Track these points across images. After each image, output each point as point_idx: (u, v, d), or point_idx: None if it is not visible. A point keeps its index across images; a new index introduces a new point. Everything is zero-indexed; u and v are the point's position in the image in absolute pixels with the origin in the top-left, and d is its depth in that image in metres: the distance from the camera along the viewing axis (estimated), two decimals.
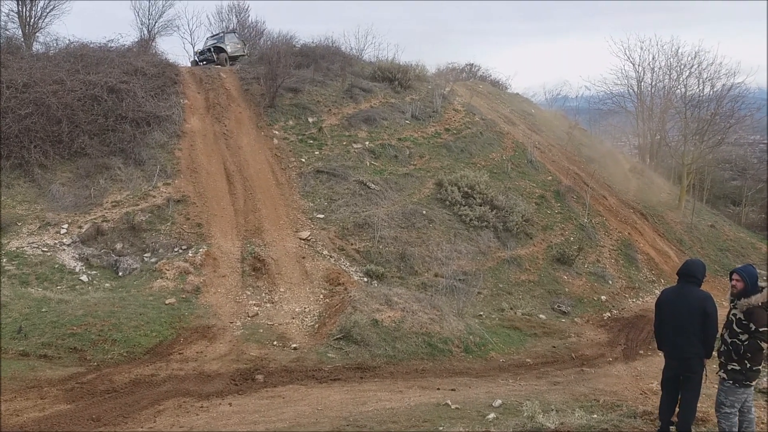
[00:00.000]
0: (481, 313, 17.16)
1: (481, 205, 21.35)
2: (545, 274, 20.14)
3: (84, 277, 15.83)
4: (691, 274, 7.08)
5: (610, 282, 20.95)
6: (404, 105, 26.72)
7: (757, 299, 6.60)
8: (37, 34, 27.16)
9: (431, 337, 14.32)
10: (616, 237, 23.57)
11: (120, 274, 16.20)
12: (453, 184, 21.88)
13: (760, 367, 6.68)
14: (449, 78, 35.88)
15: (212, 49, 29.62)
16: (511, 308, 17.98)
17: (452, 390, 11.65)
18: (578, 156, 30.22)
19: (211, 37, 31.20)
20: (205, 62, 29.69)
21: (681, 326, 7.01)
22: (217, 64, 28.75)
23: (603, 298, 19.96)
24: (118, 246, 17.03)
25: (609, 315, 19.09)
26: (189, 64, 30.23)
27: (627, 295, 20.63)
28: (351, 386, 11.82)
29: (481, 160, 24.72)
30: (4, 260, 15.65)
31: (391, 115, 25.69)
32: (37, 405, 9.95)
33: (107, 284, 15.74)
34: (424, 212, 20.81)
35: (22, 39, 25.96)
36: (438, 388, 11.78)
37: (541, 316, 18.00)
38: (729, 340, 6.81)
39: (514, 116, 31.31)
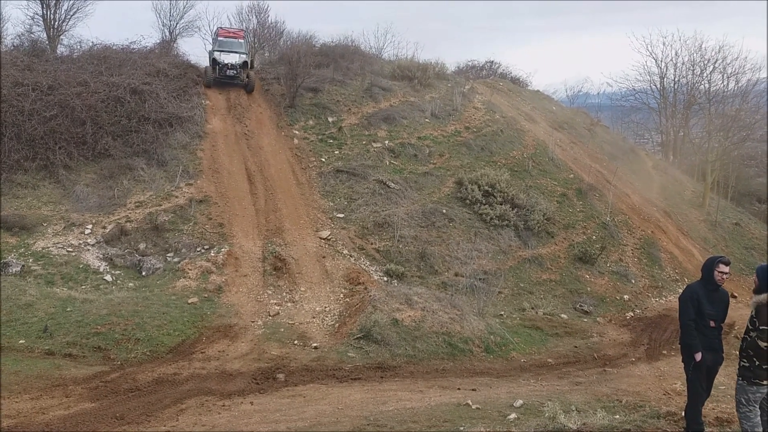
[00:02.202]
0: (502, 312, 17.08)
1: (501, 204, 21.22)
2: (567, 274, 19.96)
3: (108, 277, 16.06)
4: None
5: (633, 281, 20.70)
6: (424, 103, 26.67)
7: (765, 297, 6.54)
8: (61, 36, 27.60)
9: (452, 337, 14.28)
10: (639, 235, 23.27)
11: (143, 273, 16.41)
12: (473, 182, 21.78)
13: None
14: (469, 76, 35.75)
15: (212, 60, 25.13)
16: (533, 308, 17.86)
17: (473, 390, 11.62)
18: (600, 153, 29.89)
19: (216, 39, 26.67)
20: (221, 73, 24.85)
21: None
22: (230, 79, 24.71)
23: (626, 297, 19.74)
24: (142, 246, 17.26)
25: (632, 314, 18.87)
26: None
27: (650, 294, 20.36)
28: (371, 386, 11.84)
29: (502, 159, 24.58)
30: (31, 260, 15.95)
31: (410, 114, 25.66)
32: (62, 403, 10.12)
33: (131, 284, 15.95)
34: (444, 211, 20.76)
35: (47, 42, 26.40)
36: (459, 388, 11.76)
37: (562, 315, 17.86)
38: (742, 337, 6.81)
39: (534, 114, 31.05)
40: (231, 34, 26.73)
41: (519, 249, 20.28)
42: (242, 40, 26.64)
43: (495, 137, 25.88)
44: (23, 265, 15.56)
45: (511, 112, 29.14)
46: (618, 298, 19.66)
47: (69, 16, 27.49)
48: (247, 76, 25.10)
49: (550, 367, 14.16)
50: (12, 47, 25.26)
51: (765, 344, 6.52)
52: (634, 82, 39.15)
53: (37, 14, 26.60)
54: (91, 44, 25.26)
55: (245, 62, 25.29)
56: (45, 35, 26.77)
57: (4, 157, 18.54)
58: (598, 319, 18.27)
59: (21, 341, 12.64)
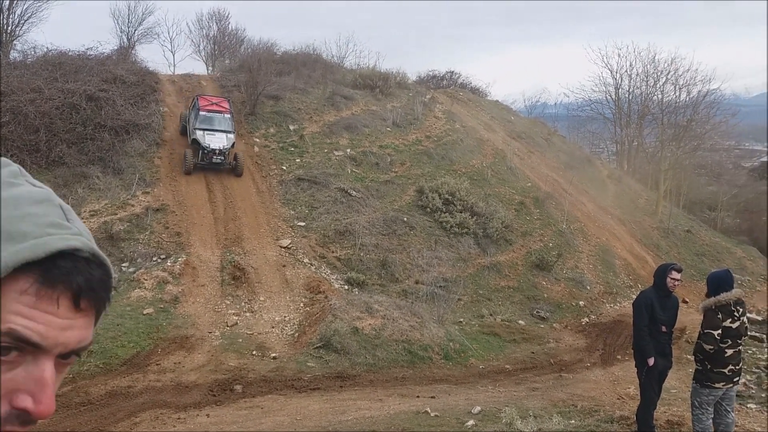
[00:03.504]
0: (462, 319, 17.24)
1: (461, 212, 21.47)
2: (524, 280, 20.29)
3: None
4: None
5: (588, 287, 21.15)
6: (385, 112, 26.84)
7: (711, 302, 6.80)
8: (15, 42, 26.88)
9: (411, 345, 14.36)
10: (594, 243, 23.82)
11: None
12: (434, 191, 21.99)
13: (725, 370, 6.82)
14: (430, 85, 36.13)
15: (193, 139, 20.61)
16: (491, 314, 18.09)
17: (432, 397, 11.70)
18: (557, 163, 30.53)
19: (196, 108, 21.01)
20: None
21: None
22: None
23: (581, 303, 20.15)
24: None
25: (587, 320, 19.26)
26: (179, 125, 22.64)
27: (605, 300, 20.83)
28: (330, 395, 11.82)
29: (462, 167, 24.88)
30: None
31: (372, 123, 25.78)
32: None
33: None
34: (405, 219, 20.88)
35: None
36: (418, 396, 11.83)
37: (520, 322, 18.12)
38: (696, 341, 7.07)
39: (494, 123, 31.57)
40: (215, 107, 21.34)
41: (478, 256, 20.53)
42: (228, 115, 21.41)
43: (455, 146, 26.19)
44: None
45: (470, 122, 29.55)
46: (574, 304, 20.06)
47: (23, 21, 26.91)
48: (235, 158, 20.76)
49: (508, 373, 14.37)
50: None
51: (709, 347, 6.75)
52: (590, 92, 40.16)
53: None
54: (45, 50, 24.72)
55: (234, 143, 21.11)
56: None
57: None
58: (554, 325, 18.60)
59: None
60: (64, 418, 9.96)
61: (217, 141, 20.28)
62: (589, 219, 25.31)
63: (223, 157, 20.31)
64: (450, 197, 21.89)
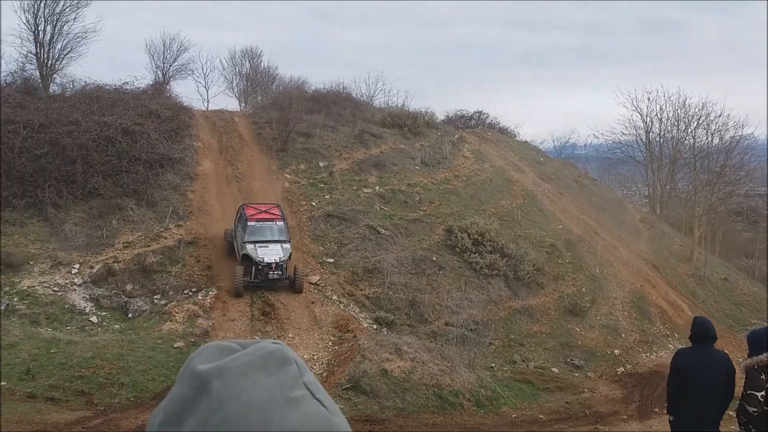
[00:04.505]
0: (493, 364, 16.86)
1: (491, 253, 21.22)
2: (557, 326, 19.85)
3: (94, 318, 15.72)
4: (710, 335, 6.98)
5: (623, 335, 20.62)
6: (414, 151, 26.93)
7: (753, 361, 6.45)
8: (54, 75, 27.62)
9: (442, 390, 14.03)
10: (629, 289, 23.32)
11: (129, 315, 16.09)
12: (463, 230, 21.81)
13: None
14: (458, 125, 36.26)
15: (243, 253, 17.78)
16: (523, 360, 17.67)
17: None
18: (588, 205, 30.19)
19: (248, 218, 18.11)
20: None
21: (706, 391, 6.80)
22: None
23: (616, 351, 19.62)
24: (129, 287, 16.96)
25: (623, 370, 18.71)
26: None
27: (640, 350, 20.26)
28: None
29: (491, 207, 24.72)
30: (16, 299, 15.58)
31: (401, 161, 25.86)
32: None
33: (116, 326, 15.61)
34: (434, 259, 20.70)
35: (39, 80, 26.42)
36: None
37: (554, 369, 17.66)
38: (738, 403, 6.70)
39: (523, 164, 31.45)
40: (266, 215, 18.50)
41: (509, 299, 20.18)
42: (281, 222, 18.45)
43: (484, 186, 26.09)
44: (8, 304, 15.21)
45: (499, 162, 29.49)
46: (609, 352, 19.53)
47: (63, 56, 27.60)
48: (294, 271, 17.90)
49: (542, 424, 13.91)
50: (4, 84, 25.27)
51: (753, 409, 6.39)
52: (620, 135, 39.84)
53: (30, 53, 26.70)
54: (83, 84, 25.34)
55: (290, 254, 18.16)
56: (38, 73, 26.81)
57: None
58: (589, 373, 18.09)
59: (3, 383, 12.23)
60: None
61: (272, 254, 17.47)
62: (622, 264, 24.84)
63: (281, 272, 17.50)
64: (479, 237, 21.68)
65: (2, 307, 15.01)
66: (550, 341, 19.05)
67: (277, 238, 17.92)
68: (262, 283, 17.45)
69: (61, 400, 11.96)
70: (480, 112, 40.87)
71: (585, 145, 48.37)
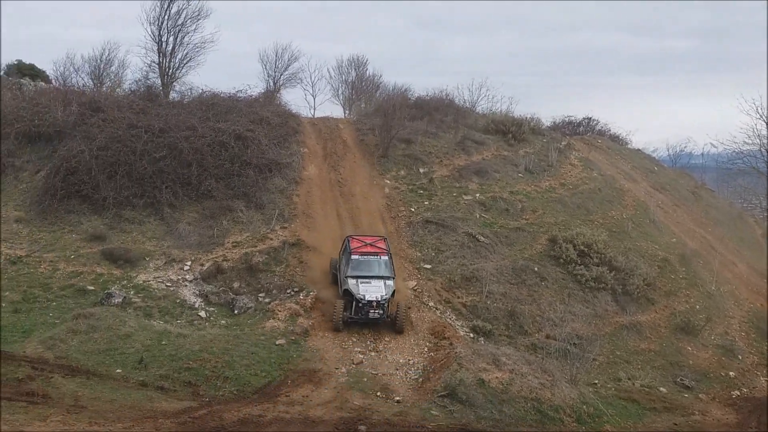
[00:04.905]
0: (596, 381, 16.14)
1: (598, 266, 20.35)
2: (667, 344, 18.74)
3: (202, 313, 16.59)
4: None
5: (740, 357, 19.16)
6: (517, 158, 26.38)
7: None
8: (174, 83, 29.50)
9: (541, 404, 13.58)
10: (747, 308, 21.66)
11: (235, 311, 16.85)
12: (568, 241, 21.05)
13: None
14: (565, 132, 35.10)
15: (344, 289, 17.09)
16: (629, 378, 16.80)
17: None
18: (705, 218, 28.32)
19: (352, 252, 17.56)
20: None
21: None
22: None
23: (732, 373, 18.23)
24: (236, 285, 17.79)
25: (738, 393, 17.41)
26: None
27: (759, 373, 18.76)
28: None
29: (599, 218, 23.73)
30: (132, 292, 16.75)
31: (503, 168, 25.42)
32: None
33: (223, 321, 16.39)
34: (536, 269, 20.13)
35: (161, 88, 28.33)
36: None
37: (661, 389, 16.65)
38: None
39: (635, 173, 29.98)
40: (370, 249, 17.87)
41: (616, 314, 19.27)
42: (386, 257, 17.77)
43: (592, 195, 25.09)
44: (125, 297, 16.36)
45: (609, 171, 28.27)
46: (723, 374, 18.21)
47: (182, 65, 29.43)
48: (397, 309, 16.91)
49: None
50: (129, 92, 27.31)
51: None
52: (742, 144, 36.87)
53: (153, 62, 28.70)
54: (200, 91, 26.87)
55: (394, 291, 17.24)
56: (159, 81, 28.76)
57: (115, 193, 19.80)
58: (700, 395, 16.95)
59: (118, 370, 13.16)
60: None
61: (373, 291, 16.70)
62: (741, 281, 23.08)
63: (381, 311, 16.56)
64: (586, 249, 20.83)
65: (120, 300, 16.17)
66: (659, 360, 18.02)
67: (380, 274, 17.20)
68: (362, 320, 16.69)
69: (170, 390, 12.68)
70: (589, 119, 39.38)
71: (702, 154, 45.31)
